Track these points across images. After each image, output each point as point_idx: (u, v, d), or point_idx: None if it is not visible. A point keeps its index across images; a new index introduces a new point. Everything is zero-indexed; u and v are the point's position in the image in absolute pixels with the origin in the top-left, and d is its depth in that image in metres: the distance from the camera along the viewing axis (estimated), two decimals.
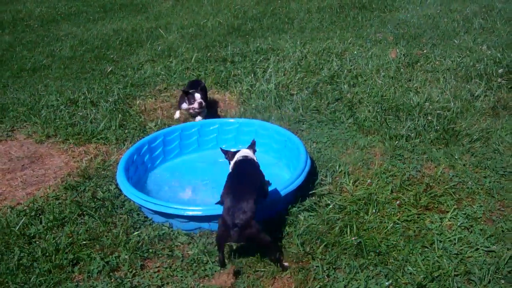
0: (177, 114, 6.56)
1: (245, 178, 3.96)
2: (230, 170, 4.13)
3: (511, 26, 9.62)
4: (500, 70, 7.30)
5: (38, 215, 4.60)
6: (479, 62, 7.70)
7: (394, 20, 10.69)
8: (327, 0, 12.87)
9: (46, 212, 4.62)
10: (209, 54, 8.80)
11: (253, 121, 5.87)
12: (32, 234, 4.32)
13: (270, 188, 4.25)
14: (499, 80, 7.03)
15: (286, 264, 3.86)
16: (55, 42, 10.27)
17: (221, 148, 4.37)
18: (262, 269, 3.82)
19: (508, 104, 6.35)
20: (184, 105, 6.36)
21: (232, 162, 4.15)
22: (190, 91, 6.20)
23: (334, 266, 3.81)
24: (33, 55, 9.49)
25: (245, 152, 4.21)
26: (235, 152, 4.22)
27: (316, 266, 3.81)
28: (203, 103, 6.20)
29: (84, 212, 4.59)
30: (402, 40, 9.17)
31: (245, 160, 4.13)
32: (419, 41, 9.09)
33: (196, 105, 6.17)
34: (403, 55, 8.26)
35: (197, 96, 6.16)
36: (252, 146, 4.35)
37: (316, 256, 3.91)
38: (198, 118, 6.24)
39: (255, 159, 4.21)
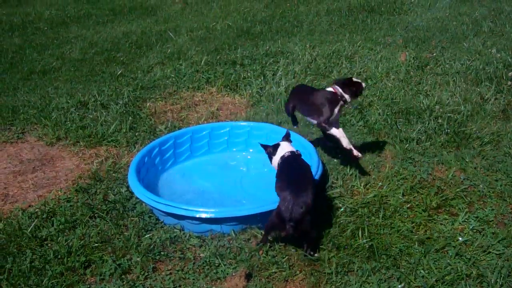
0: (336, 132, 4.83)
1: (300, 173, 4.08)
2: (277, 165, 4.25)
3: None
4: (510, 73, 7.27)
5: (49, 217, 4.61)
6: (489, 65, 7.68)
7: (403, 23, 10.67)
8: (336, 3, 12.88)
9: (57, 215, 4.63)
10: (218, 57, 8.81)
11: (264, 124, 5.88)
12: (44, 237, 4.33)
13: None
14: (509, 83, 7.00)
15: (317, 254, 3.96)
16: (65, 44, 10.32)
17: (260, 144, 4.48)
18: (274, 271, 3.83)
19: None
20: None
21: (278, 157, 4.25)
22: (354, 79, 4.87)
23: (346, 269, 3.81)
24: (43, 58, 9.54)
25: (288, 146, 4.34)
26: (276, 146, 4.34)
27: (329, 269, 3.80)
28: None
29: (96, 215, 4.61)
30: (411, 43, 9.15)
31: (294, 155, 4.26)
32: (429, 44, 9.07)
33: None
34: (413, 58, 8.24)
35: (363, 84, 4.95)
36: (287, 138, 4.48)
37: (328, 259, 3.91)
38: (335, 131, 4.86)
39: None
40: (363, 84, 4.90)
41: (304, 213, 3.70)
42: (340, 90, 4.75)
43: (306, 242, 3.95)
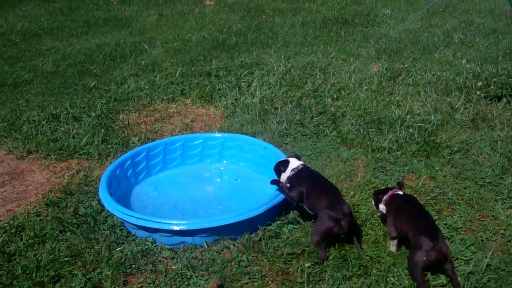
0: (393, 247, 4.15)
1: (322, 179, 4.50)
2: (291, 178, 4.50)
3: (489, 41, 9.80)
4: (479, 83, 7.43)
5: (18, 232, 4.54)
6: (459, 76, 7.82)
7: (376, 34, 10.82)
8: (311, 15, 13.00)
9: (26, 229, 4.55)
10: (193, 69, 8.82)
11: (238, 136, 5.89)
12: (12, 252, 4.25)
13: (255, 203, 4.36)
14: (478, 93, 7.14)
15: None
16: (37, 56, 10.21)
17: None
18: (246, 282, 3.83)
19: (487, 116, 6.45)
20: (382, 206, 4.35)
21: (291, 171, 4.52)
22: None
23: (318, 278, 3.82)
24: (14, 70, 9.43)
25: (297, 161, 4.63)
26: (286, 162, 4.60)
27: (301, 279, 3.82)
28: None
29: (66, 229, 4.55)
30: (384, 54, 9.28)
31: (307, 167, 4.62)
32: (401, 55, 9.21)
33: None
34: (385, 69, 8.35)
35: None
36: (299, 157, 4.76)
37: (301, 269, 3.92)
38: None
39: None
40: None
41: (349, 208, 4.06)
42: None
43: (355, 236, 4.15)
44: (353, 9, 13.41)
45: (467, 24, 11.13)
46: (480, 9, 12.64)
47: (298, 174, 4.47)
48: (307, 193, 4.29)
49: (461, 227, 4.34)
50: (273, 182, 4.59)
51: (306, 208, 4.35)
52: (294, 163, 4.57)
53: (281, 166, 4.60)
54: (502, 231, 4.28)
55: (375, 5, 13.78)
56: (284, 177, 4.55)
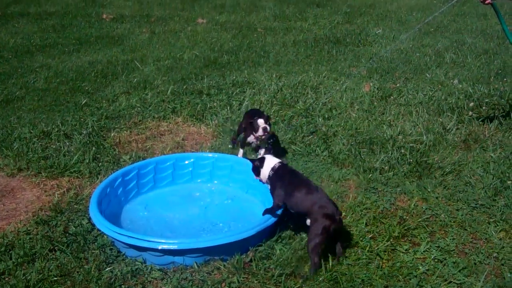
0: (240, 153, 6.06)
1: (303, 177, 4.47)
2: (270, 177, 4.48)
3: (481, 61, 9.88)
4: (471, 104, 7.46)
5: (8, 250, 4.48)
6: (451, 96, 7.87)
7: (368, 54, 10.88)
8: (303, 34, 13.08)
9: (16, 247, 4.50)
10: (185, 87, 8.82)
11: (229, 156, 5.87)
12: (1, 271, 4.20)
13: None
14: (470, 113, 7.17)
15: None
16: (29, 73, 10.17)
17: (248, 158, 4.87)
18: None
19: (479, 137, 6.48)
20: (251, 138, 5.85)
21: (269, 170, 4.48)
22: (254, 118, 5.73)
23: None
24: (6, 87, 9.38)
25: (273, 158, 4.60)
26: (262, 160, 4.57)
27: None
28: (268, 128, 5.67)
29: (56, 247, 4.50)
30: (375, 74, 9.33)
31: (285, 165, 4.58)
32: (392, 75, 9.26)
33: (260, 131, 5.62)
34: (377, 88, 8.39)
35: (260, 121, 5.62)
36: (270, 151, 4.88)
37: None
38: (262, 151, 5.86)
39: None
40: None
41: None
42: None
43: (340, 241, 4.17)
44: (344, 28, 13.52)
45: (458, 44, 11.23)
46: (472, 29, 12.78)
47: (278, 173, 4.46)
48: (290, 193, 4.27)
49: (453, 250, 4.33)
50: (266, 212, 4.45)
51: (289, 209, 4.38)
52: (271, 161, 4.55)
53: (258, 164, 4.58)
54: (495, 254, 4.27)
55: (366, 24, 13.89)
56: (263, 175, 4.54)
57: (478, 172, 5.62)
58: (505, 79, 8.60)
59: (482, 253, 4.29)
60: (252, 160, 4.66)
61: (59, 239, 4.62)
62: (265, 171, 4.51)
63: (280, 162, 4.54)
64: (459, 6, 12.60)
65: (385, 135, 6.57)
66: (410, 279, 3.98)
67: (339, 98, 8.01)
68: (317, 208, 4.05)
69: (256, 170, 4.59)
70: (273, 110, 7.54)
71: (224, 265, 4.15)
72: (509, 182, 5.34)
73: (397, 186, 5.39)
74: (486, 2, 5.32)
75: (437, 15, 11.69)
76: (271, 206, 4.41)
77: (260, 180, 4.62)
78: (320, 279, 3.97)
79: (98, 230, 4.50)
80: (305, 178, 4.49)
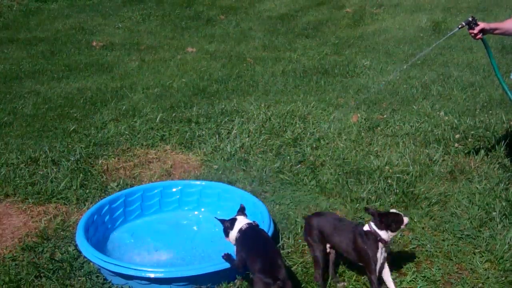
0: None
1: (263, 239, 4.13)
2: (236, 238, 4.17)
3: (467, 93, 10.01)
4: (457, 136, 7.55)
5: None
6: (437, 128, 7.96)
7: (356, 85, 11.00)
8: (292, 64, 13.19)
9: (1, 274, 4.47)
10: (174, 115, 8.84)
11: (217, 184, 5.88)
12: None
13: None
14: (456, 145, 7.26)
15: None
16: (18, 99, 10.16)
17: (216, 218, 4.38)
18: None
19: (465, 168, 6.55)
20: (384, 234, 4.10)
21: (238, 232, 4.16)
22: (391, 211, 4.23)
23: None
24: None
25: (244, 219, 4.28)
26: (233, 220, 4.24)
27: None
28: None
29: (42, 274, 4.47)
30: (363, 105, 9.42)
31: (252, 226, 4.21)
32: (380, 106, 9.35)
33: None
34: (364, 119, 8.47)
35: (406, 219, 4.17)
36: (243, 211, 4.41)
37: None
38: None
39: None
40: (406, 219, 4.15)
41: (285, 274, 3.72)
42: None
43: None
44: (333, 59, 13.65)
45: (445, 77, 11.37)
46: (458, 63, 12.94)
47: (242, 236, 4.15)
48: (246, 256, 3.98)
49: (439, 280, 4.35)
50: (225, 257, 4.24)
51: None
52: (240, 222, 4.23)
53: (228, 225, 4.26)
54: (480, 285, 4.30)
55: (354, 56, 14.04)
56: (232, 238, 4.23)
57: (463, 203, 5.67)
58: (490, 112, 8.72)
59: (467, 283, 4.32)
60: (222, 221, 4.30)
61: (45, 265, 4.60)
62: (233, 233, 4.20)
63: (248, 224, 4.20)
64: (445, 40, 12.79)
65: (372, 165, 6.62)
66: None
67: (327, 128, 8.07)
68: (258, 273, 3.75)
69: (225, 232, 4.28)
70: (261, 139, 7.58)
71: None
72: (494, 213, 5.39)
73: None
74: (477, 37, 5.43)
75: (433, 47, 11.85)
76: (233, 262, 4.17)
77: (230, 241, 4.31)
78: None
79: (85, 257, 4.47)
80: (265, 240, 4.14)
